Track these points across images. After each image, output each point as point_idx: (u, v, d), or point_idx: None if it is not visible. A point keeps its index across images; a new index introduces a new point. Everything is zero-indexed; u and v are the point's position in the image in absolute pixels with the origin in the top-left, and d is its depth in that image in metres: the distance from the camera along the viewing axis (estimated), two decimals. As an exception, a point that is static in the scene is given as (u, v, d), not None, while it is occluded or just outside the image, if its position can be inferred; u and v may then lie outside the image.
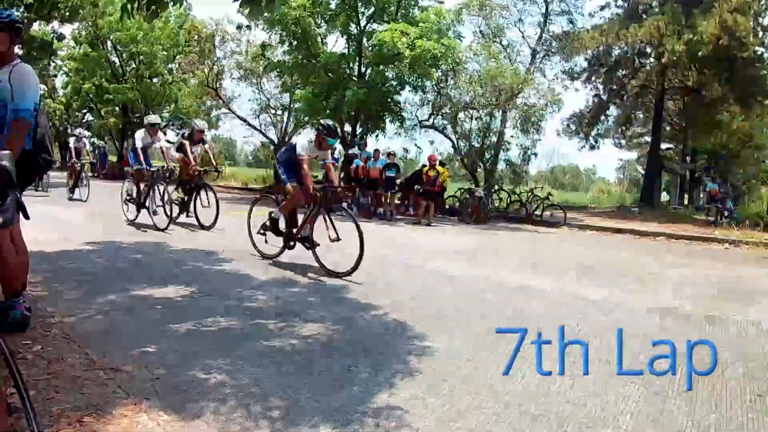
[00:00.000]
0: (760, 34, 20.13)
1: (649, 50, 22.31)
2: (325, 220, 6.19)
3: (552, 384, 3.11)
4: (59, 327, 3.48)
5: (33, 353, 2.99)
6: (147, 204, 8.96)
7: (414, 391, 2.91)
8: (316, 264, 6.18)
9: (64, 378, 2.71)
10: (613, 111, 27.02)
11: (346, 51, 19.59)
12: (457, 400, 2.83)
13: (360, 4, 18.51)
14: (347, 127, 20.01)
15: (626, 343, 3.97)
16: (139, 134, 9.41)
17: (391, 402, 2.74)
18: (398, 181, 16.39)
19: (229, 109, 28.51)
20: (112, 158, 31.02)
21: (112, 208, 11.69)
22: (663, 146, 29.00)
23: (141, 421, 2.37)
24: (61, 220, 9.07)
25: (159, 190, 8.91)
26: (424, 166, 16.02)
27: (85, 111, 35.42)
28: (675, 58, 18.88)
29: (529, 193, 18.06)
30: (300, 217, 6.56)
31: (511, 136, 21.15)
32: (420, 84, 19.58)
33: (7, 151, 1.96)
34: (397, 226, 13.07)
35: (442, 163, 18.88)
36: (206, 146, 10.80)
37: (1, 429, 1.33)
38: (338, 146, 19.18)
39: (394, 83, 18.85)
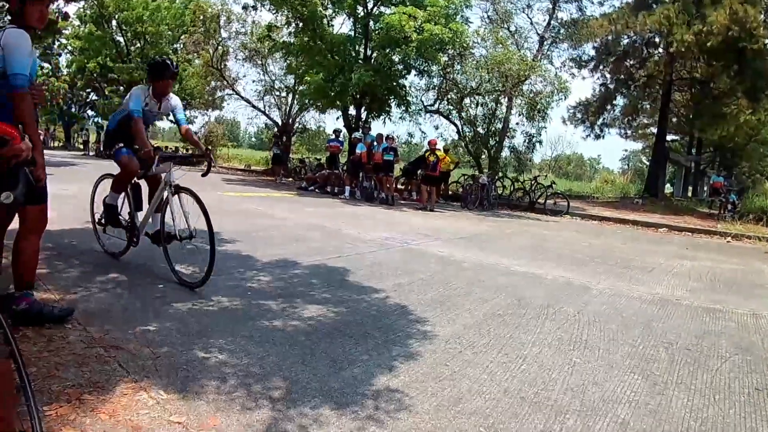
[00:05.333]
0: (771, 26, 19.94)
1: (657, 40, 22.17)
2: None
3: (551, 371, 3.12)
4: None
5: (33, 330, 3.00)
6: None
7: (414, 374, 2.92)
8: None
9: (65, 355, 2.72)
10: (619, 100, 26.96)
11: (352, 33, 19.45)
12: (457, 384, 2.84)
13: (367, -14, 18.36)
14: (352, 111, 19.92)
15: (626, 333, 3.98)
16: None
17: (391, 385, 2.75)
18: (397, 166, 16.40)
19: (234, 90, 28.36)
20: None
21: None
22: (669, 137, 28.92)
23: (141, 400, 2.38)
24: (64, 198, 9.08)
25: None
26: (427, 151, 15.98)
27: (89, 90, 35.37)
28: (684, 49, 18.74)
29: (533, 181, 18.03)
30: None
31: (517, 123, 21.06)
32: (426, 68, 19.46)
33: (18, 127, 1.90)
34: (400, 211, 13.06)
35: (446, 149, 18.87)
36: None
37: (10, 416, 1.31)
38: (343, 130, 19.14)
39: (400, 67, 18.72)
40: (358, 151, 15.97)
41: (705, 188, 31.18)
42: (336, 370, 2.88)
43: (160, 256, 4.50)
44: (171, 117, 5.21)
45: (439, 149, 16.43)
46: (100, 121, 33.19)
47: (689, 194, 31.16)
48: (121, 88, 30.88)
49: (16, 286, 3.14)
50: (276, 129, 27.01)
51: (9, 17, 3.16)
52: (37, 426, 1.68)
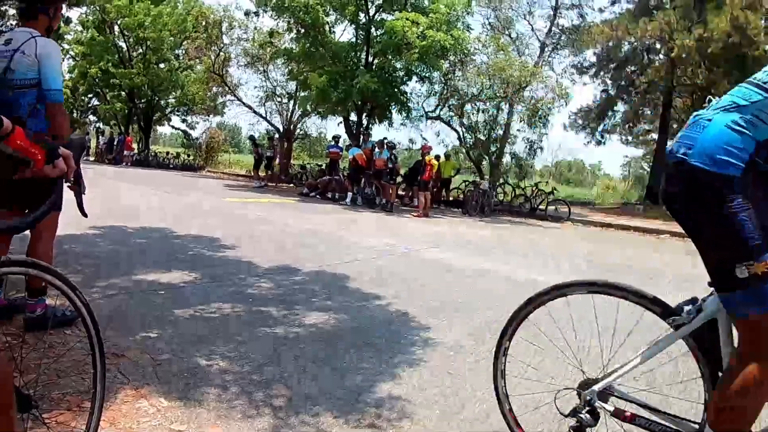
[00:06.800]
0: (772, 32, 19.93)
1: (658, 46, 22.20)
2: None
3: (555, 379, 3.10)
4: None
5: (34, 337, 2.98)
6: None
7: (417, 381, 2.90)
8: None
9: (65, 362, 2.70)
10: (620, 107, 26.98)
11: (354, 40, 19.50)
12: (460, 391, 2.82)
13: (369, -8, 18.42)
14: (353, 117, 19.95)
15: (630, 339, 3.96)
16: None
17: (393, 392, 2.73)
18: (402, 172, 16.40)
19: (235, 95, 28.41)
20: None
21: (118, 192, 11.72)
22: (670, 144, 28.92)
23: (142, 407, 2.37)
24: (66, 203, 9.09)
25: None
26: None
27: (91, 96, 35.42)
28: (685, 55, 18.75)
29: (534, 188, 18.02)
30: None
31: (518, 130, 21.10)
32: (427, 75, 19.51)
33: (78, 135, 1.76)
34: (401, 217, 13.06)
35: (447, 156, 18.88)
36: None
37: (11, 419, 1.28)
38: (343, 136, 19.18)
39: (402, 73, 18.77)
40: (350, 155, 15.96)
41: (706, 194, 31.13)
42: (337, 378, 2.86)
43: (160, 264, 4.47)
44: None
45: (430, 155, 16.10)
46: (101, 126, 33.30)
47: (691, 200, 31.06)
48: (123, 93, 30.96)
49: (30, 292, 3.12)
50: (269, 133, 26.87)
51: (18, 20, 3.20)
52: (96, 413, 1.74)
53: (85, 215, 1.93)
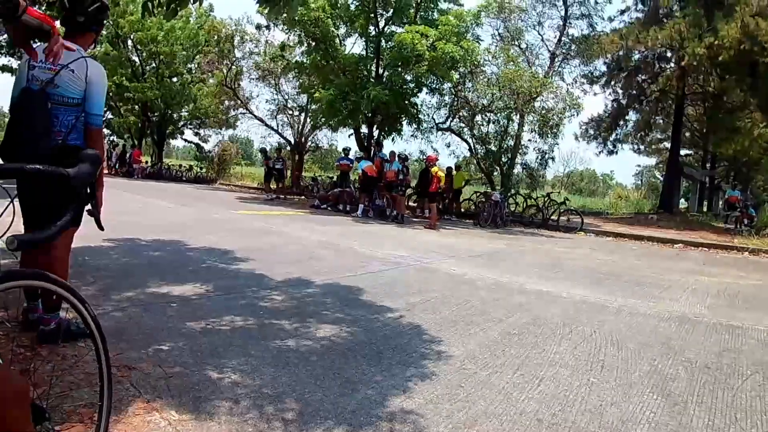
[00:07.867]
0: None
1: (669, 54, 22.13)
2: None
3: (569, 392, 3.07)
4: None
5: (47, 349, 3.00)
6: None
7: (429, 395, 2.88)
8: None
9: (78, 375, 2.71)
10: (632, 116, 26.91)
11: (364, 53, 19.61)
12: (472, 405, 2.79)
13: (379, 6, 18.52)
14: (364, 129, 20.00)
15: (645, 352, 3.92)
16: None
17: (405, 406, 2.71)
18: (413, 184, 16.38)
19: (247, 109, 28.64)
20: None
21: (132, 205, 11.81)
22: (682, 152, 28.79)
23: (153, 420, 2.37)
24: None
25: None
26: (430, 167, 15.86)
27: (105, 109, 35.72)
28: (696, 63, 18.65)
29: (546, 198, 17.94)
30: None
31: (529, 140, 21.06)
32: (438, 86, 19.55)
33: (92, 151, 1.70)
34: (412, 229, 13.04)
35: (458, 167, 18.87)
36: None
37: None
38: (353, 148, 19.23)
39: (412, 85, 18.82)
40: (359, 168, 15.96)
41: (720, 202, 30.93)
42: (349, 391, 2.85)
43: (173, 277, 4.50)
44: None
45: (436, 166, 15.85)
46: (115, 140, 33.63)
47: (704, 209, 30.87)
48: (136, 107, 31.28)
49: (46, 305, 3.14)
50: (279, 145, 26.96)
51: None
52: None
53: (102, 228, 1.95)
